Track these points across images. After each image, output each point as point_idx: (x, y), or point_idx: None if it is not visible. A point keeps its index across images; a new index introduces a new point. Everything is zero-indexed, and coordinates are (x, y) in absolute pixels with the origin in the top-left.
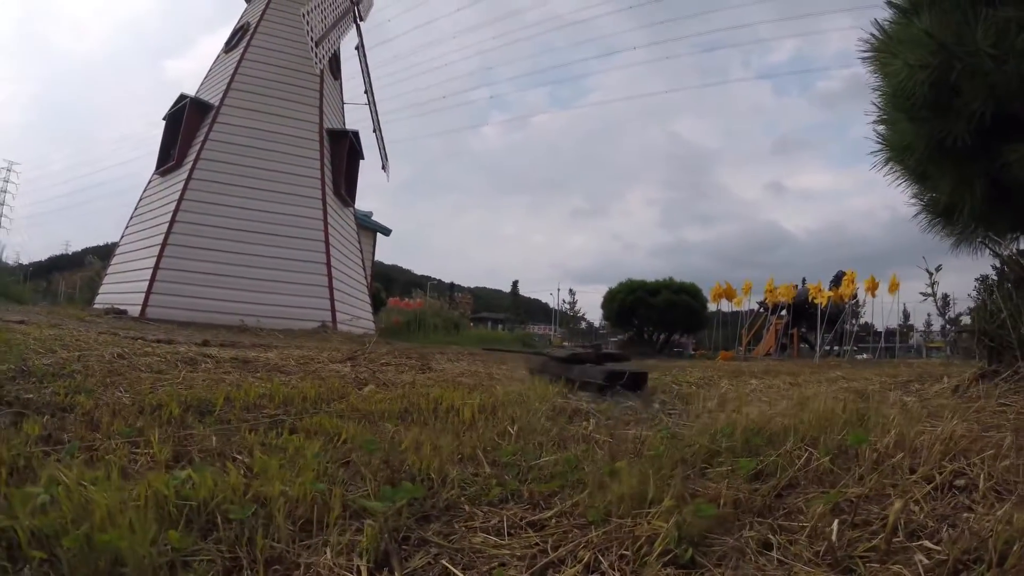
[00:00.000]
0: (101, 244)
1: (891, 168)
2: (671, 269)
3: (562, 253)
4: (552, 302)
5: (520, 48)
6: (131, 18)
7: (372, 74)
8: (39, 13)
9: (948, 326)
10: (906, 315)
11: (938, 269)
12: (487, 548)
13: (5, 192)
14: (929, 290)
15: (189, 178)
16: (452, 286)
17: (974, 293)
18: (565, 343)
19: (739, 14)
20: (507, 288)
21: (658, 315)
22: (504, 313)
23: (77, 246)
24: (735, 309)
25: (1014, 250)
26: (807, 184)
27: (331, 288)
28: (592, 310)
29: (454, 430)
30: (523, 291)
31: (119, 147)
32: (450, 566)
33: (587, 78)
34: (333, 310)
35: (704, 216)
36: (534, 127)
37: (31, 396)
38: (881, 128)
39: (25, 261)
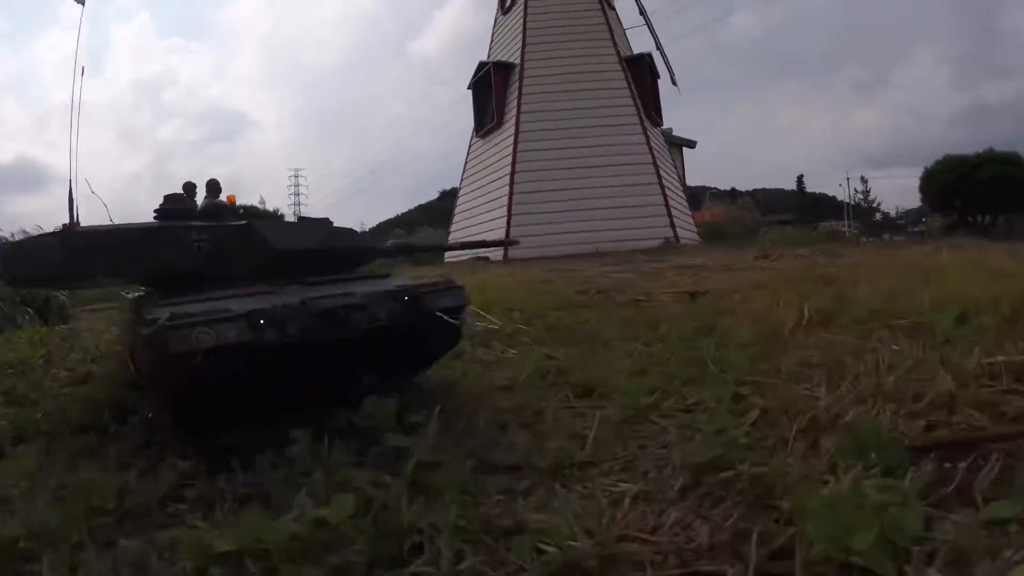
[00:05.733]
0: (393, 216)
1: None
2: (974, 139)
3: (848, 136)
4: (841, 195)
5: None
6: (362, 16)
7: None
8: (277, 40)
9: None
10: None
11: None
12: None
13: (298, 194)
14: None
15: (517, 131)
16: (733, 192)
17: None
18: (863, 239)
19: None
20: (789, 186)
21: (982, 194)
22: (789, 214)
23: (372, 223)
24: None
25: None
26: None
27: (667, 205)
28: (889, 198)
29: None
30: (808, 187)
31: (387, 131)
32: None
33: None
34: (673, 226)
35: (1004, 70)
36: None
37: None
38: None
39: None
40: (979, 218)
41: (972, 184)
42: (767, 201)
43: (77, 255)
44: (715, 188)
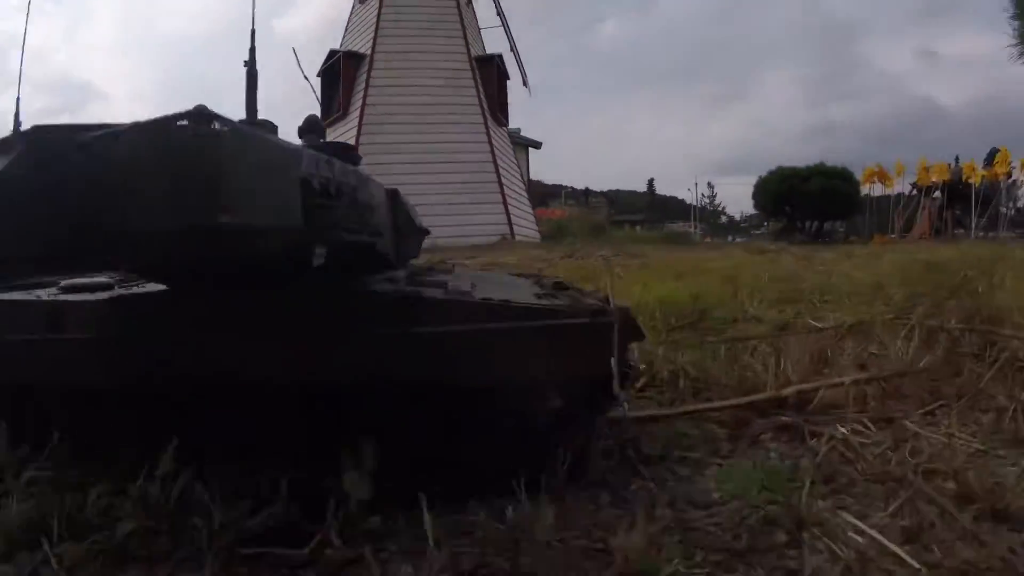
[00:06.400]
0: None
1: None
2: (819, 154)
3: (700, 145)
4: (690, 198)
5: None
6: None
7: None
8: (133, 6)
9: None
10: None
11: None
12: None
13: None
14: None
15: (360, 124)
16: (587, 191)
17: None
18: (707, 239)
19: None
20: (642, 188)
21: (810, 202)
22: (641, 214)
23: None
24: (887, 192)
25: None
26: (962, 50)
27: (505, 204)
28: (734, 204)
29: None
30: (660, 189)
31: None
32: None
33: None
34: (510, 223)
35: (851, 93)
36: (658, 13)
37: None
38: (1016, 24)
39: None
40: (807, 224)
41: (802, 194)
42: (620, 201)
43: None
44: (571, 187)
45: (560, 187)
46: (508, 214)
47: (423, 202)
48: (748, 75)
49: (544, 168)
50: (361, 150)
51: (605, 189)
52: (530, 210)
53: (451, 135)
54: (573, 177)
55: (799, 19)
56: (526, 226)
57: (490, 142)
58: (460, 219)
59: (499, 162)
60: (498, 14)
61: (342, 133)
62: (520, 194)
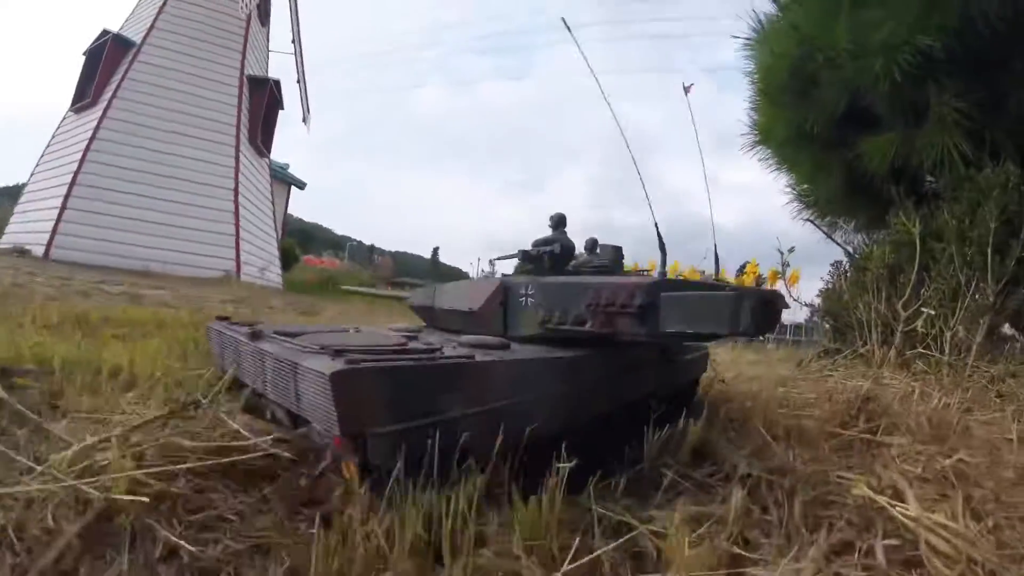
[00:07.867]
0: (12, 184)
1: (758, 152)
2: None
3: (491, 223)
4: (472, 272)
5: (472, 9)
6: None
7: (305, 21)
8: None
9: (805, 307)
10: (813, 311)
11: (791, 250)
12: None
13: None
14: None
15: (103, 116)
16: (372, 247)
17: (828, 278)
18: None
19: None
20: (428, 254)
21: None
22: (422, 280)
23: None
24: None
25: (864, 239)
26: (740, 178)
27: (237, 238)
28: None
29: None
30: (444, 259)
31: (31, 83)
32: None
33: (536, 51)
34: (238, 260)
35: (636, 200)
36: (477, 95)
37: None
38: (754, 115)
39: None
40: None
41: None
42: (406, 263)
43: None
44: (359, 241)
45: (348, 239)
46: (238, 250)
47: (148, 219)
48: (550, 169)
49: (338, 218)
50: (95, 146)
51: (394, 249)
52: (276, 252)
53: (197, 152)
54: (365, 231)
55: (609, 129)
56: (267, 269)
57: (236, 167)
58: (184, 245)
59: (242, 191)
60: (292, 41)
61: (85, 123)
62: (266, 233)
